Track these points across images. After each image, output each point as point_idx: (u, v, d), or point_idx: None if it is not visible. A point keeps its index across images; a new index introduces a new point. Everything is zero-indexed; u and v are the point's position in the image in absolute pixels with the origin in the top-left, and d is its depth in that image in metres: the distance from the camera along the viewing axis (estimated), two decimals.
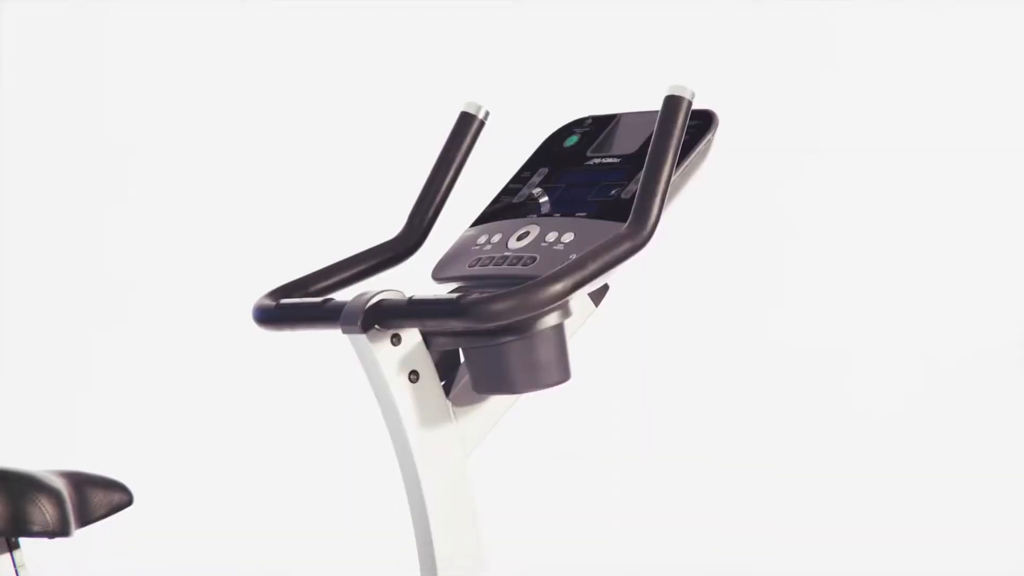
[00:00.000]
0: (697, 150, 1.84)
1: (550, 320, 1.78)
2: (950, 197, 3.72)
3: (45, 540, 1.73)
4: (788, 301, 3.76)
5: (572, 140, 1.98)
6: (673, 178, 1.76)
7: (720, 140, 1.85)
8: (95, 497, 1.79)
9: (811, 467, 3.67)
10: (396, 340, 1.81)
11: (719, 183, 3.29)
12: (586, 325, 1.88)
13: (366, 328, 1.78)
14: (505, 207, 1.94)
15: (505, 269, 1.83)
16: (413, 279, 1.91)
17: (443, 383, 1.85)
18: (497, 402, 1.87)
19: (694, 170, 1.86)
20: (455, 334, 1.81)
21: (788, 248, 3.78)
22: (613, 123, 1.96)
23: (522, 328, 1.77)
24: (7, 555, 1.76)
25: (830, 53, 3.75)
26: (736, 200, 3.67)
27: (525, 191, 1.94)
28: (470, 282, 1.88)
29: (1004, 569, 3.25)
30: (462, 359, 1.86)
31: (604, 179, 1.87)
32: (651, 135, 1.77)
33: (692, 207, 1.88)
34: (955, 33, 3.69)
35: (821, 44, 3.72)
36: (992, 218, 3.71)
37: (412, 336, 1.81)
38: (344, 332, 1.81)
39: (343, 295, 1.87)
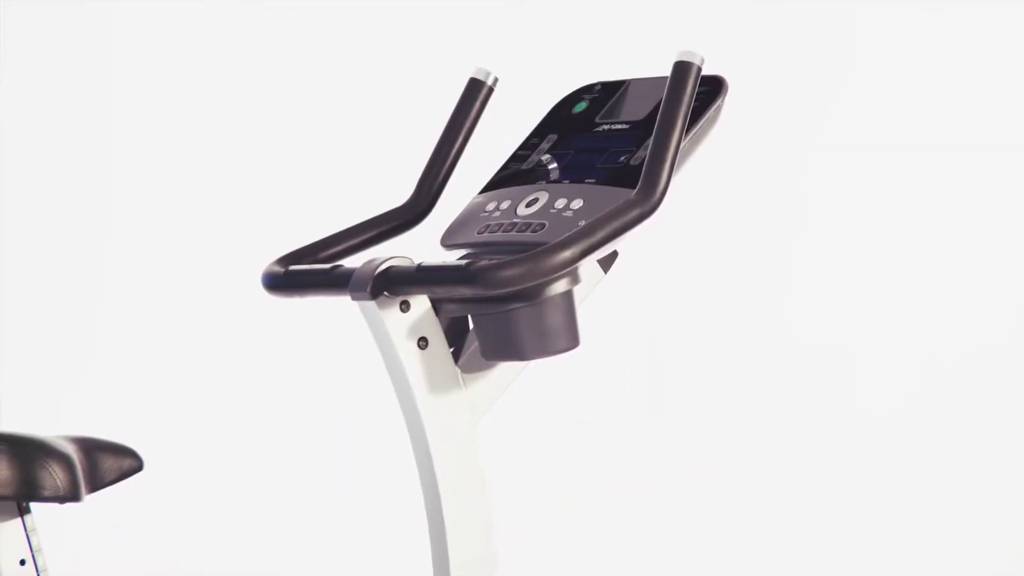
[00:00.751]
0: (706, 116, 1.84)
1: (559, 287, 1.78)
2: (955, 196, 3.71)
3: (56, 505, 1.74)
4: (794, 274, 3.76)
5: (581, 106, 1.97)
6: (682, 144, 1.76)
7: (729, 108, 1.85)
8: (105, 462, 1.80)
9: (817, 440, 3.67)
10: (405, 307, 1.81)
11: (726, 162, 3.30)
12: (595, 292, 1.88)
13: (375, 295, 1.78)
14: (514, 174, 1.94)
15: (514, 236, 1.83)
16: (422, 246, 1.91)
17: (452, 350, 1.85)
18: (506, 369, 1.87)
19: (703, 136, 1.86)
20: (464, 301, 1.81)
21: (797, 222, 3.77)
22: (622, 89, 1.96)
23: (531, 295, 1.77)
24: (18, 519, 1.77)
25: (846, 47, 3.73)
26: (746, 171, 3.67)
27: (534, 158, 1.94)
28: (479, 249, 1.88)
29: (1004, 569, 3.25)
30: (471, 326, 1.86)
31: (613, 145, 1.87)
32: (660, 101, 1.77)
33: (701, 174, 1.87)
34: (963, 32, 3.67)
35: (837, 39, 3.70)
36: (997, 218, 3.70)
37: (421, 303, 1.81)
38: (353, 299, 1.81)
39: (352, 262, 1.87)
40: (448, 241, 1.92)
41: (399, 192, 2.01)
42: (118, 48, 3.83)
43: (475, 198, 1.95)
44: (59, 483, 1.72)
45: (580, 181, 1.85)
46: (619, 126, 1.90)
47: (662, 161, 1.73)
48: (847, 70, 3.74)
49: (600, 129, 1.92)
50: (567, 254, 1.69)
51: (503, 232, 1.85)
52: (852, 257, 3.73)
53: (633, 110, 1.91)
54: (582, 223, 1.75)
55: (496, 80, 2.00)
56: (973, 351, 3.62)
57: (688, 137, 1.82)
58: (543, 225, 1.81)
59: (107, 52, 3.83)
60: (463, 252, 1.90)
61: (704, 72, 1.78)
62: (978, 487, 3.45)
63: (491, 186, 1.95)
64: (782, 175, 3.73)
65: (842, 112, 3.74)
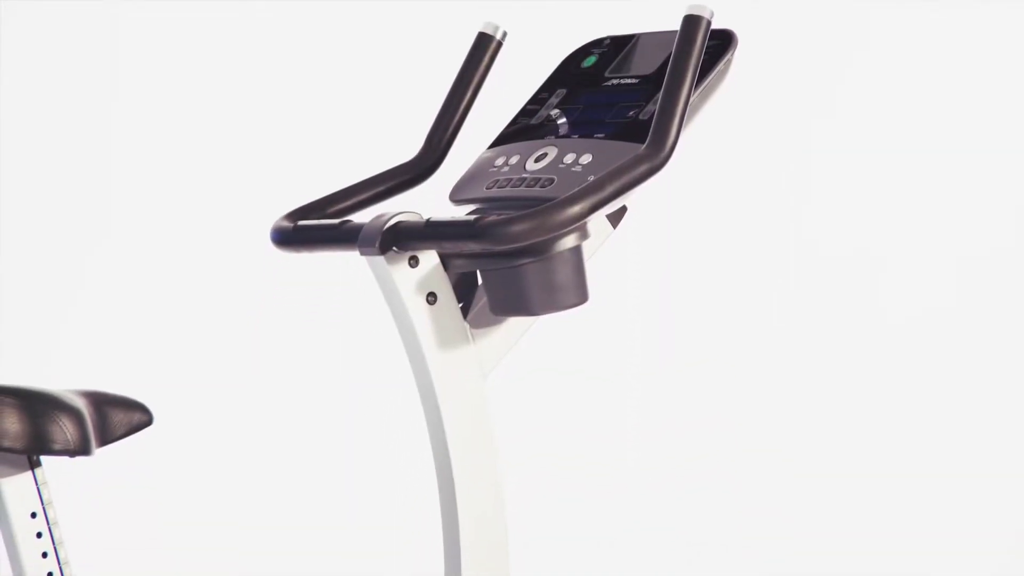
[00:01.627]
0: (716, 70, 1.83)
1: (568, 242, 1.78)
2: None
3: (66, 459, 1.75)
4: (809, 214, 3.75)
5: (590, 61, 1.97)
6: (692, 99, 1.75)
7: (739, 60, 1.84)
8: (115, 417, 1.81)
9: (832, 388, 3.68)
10: (414, 262, 1.81)
11: (739, 106, 3.28)
12: (604, 247, 1.88)
13: (384, 250, 1.78)
14: (523, 128, 1.94)
15: (523, 191, 1.83)
16: (431, 201, 1.91)
17: (461, 305, 1.85)
18: (515, 324, 1.87)
19: (713, 91, 1.86)
20: (473, 256, 1.81)
21: (809, 169, 3.76)
22: (631, 43, 1.95)
23: (540, 250, 1.77)
24: (28, 473, 1.78)
25: None
26: (757, 124, 3.65)
27: (543, 112, 1.93)
28: (488, 204, 1.88)
29: (1004, 569, 3.25)
30: (480, 281, 1.86)
31: (622, 100, 1.86)
32: (670, 56, 1.76)
33: (711, 127, 1.87)
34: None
35: None
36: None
37: (430, 258, 1.81)
38: (362, 254, 1.81)
39: (361, 217, 1.87)
40: (457, 196, 1.92)
41: (408, 147, 2.01)
42: None
43: (484, 153, 1.95)
44: (69, 437, 1.73)
45: (589, 136, 1.85)
46: (628, 80, 1.90)
47: (671, 116, 1.73)
48: None
49: (609, 84, 1.91)
50: (576, 209, 1.69)
51: (512, 187, 1.85)
52: (860, 227, 3.72)
53: (642, 64, 1.91)
54: (591, 178, 1.74)
55: (505, 34, 2.00)
56: (973, 353, 3.61)
57: (697, 91, 1.81)
58: (552, 180, 1.81)
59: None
60: (472, 207, 1.90)
61: (713, 26, 1.77)
62: (978, 487, 3.44)
63: (500, 141, 1.95)
64: (793, 141, 3.72)
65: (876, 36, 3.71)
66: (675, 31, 1.76)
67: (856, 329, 3.65)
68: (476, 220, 1.71)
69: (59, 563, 1.78)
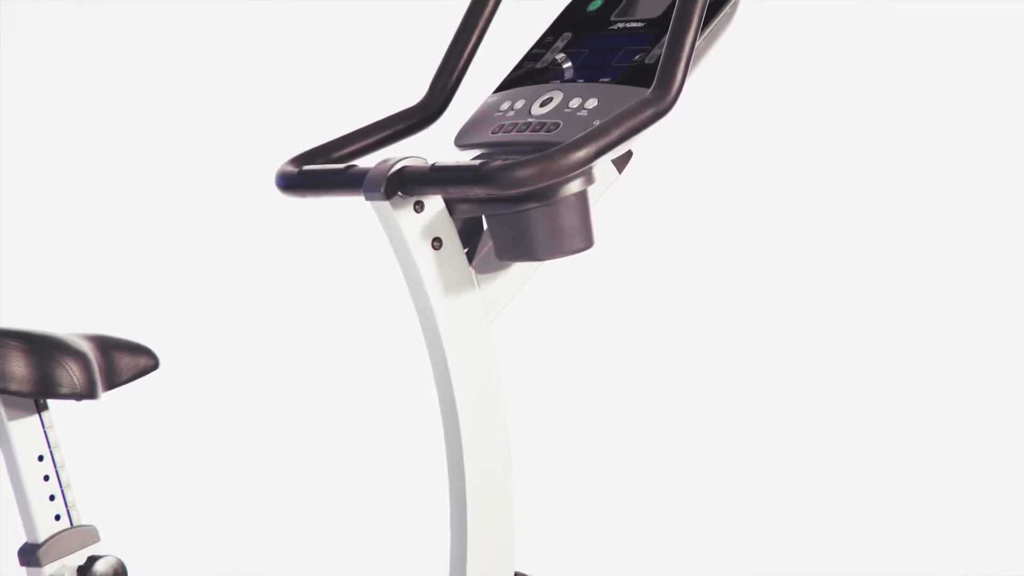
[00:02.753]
0: (722, 13, 1.83)
1: (573, 187, 1.77)
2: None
3: (72, 402, 1.76)
4: (822, 169, 3.74)
5: (596, 4, 1.96)
6: (698, 42, 1.75)
7: (745, 4, 1.83)
8: (121, 360, 1.81)
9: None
10: (419, 207, 1.81)
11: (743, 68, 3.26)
12: (609, 192, 1.87)
13: (389, 195, 1.78)
14: (528, 73, 1.93)
15: (528, 135, 1.83)
16: (436, 146, 1.90)
17: (466, 250, 1.85)
18: (520, 269, 1.87)
19: (719, 34, 1.85)
20: (478, 201, 1.81)
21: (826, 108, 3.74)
22: None
23: (545, 195, 1.77)
24: (35, 416, 1.79)
25: None
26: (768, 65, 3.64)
27: (548, 56, 1.93)
28: (493, 149, 1.88)
29: (1005, 568, 3.25)
30: (485, 226, 1.86)
31: (628, 44, 1.86)
32: None
33: (717, 71, 1.86)
34: None
35: None
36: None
37: (435, 203, 1.81)
38: (367, 199, 1.81)
39: (365, 162, 1.87)
40: (462, 141, 1.92)
41: (413, 92, 2.00)
42: None
43: (489, 98, 1.94)
44: (76, 380, 1.74)
45: (595, 80, 1.84)
46: (634, 24, 1.89)
47: (677, 59, 1.72)
48: None
49: (615, 27, 1.90)
50: (581, 154, 1.69)
51: (517, 132, 1.84)
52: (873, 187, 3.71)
53: (648, 8, 1.90)
54: (596, 122, 1.74)
55: None
56: (973, 355, 3.61)
57: (704, 35, 1.81)
58: (557, 125, 1.81)
59: None
60: (477, 152, 1.90)
61: None
62: (978, 487, 3.44)
63: (505, 85, 1.94)
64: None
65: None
66: None
67: (856, 328, 3.65)
68: (481, 165, 1.71)
69: (66, 506, 1.79)
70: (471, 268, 1.84)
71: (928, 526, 3.32)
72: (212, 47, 3.80)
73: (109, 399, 1.81)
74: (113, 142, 3.80)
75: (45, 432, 1.79)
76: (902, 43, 3.69)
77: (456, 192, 1.77)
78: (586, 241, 1.80)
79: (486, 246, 1.86)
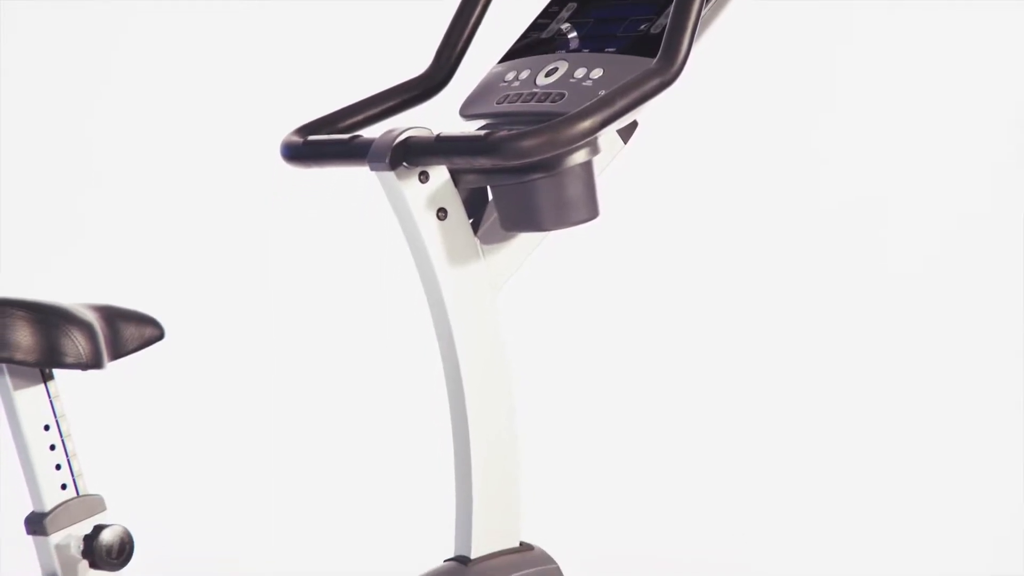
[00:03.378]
0: None
1: (578, 157, 1.77)
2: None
3: (78, 372, 1.76)
4: (825, 149, 3.74)
5: None
6: (703, 12, 1.74)
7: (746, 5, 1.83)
8: (127, 330, 1.81)
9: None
10: (424, 177, 1.81)
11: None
12: (615, 162, 1.87)
13: (394, 165, 1.78)
14: (533, 43, 1.92)
15: (533, 106, 1.82)
16: (441, 116, 1.90)
17: (471, 221, 1.85)
18: (525, 239, 1.87)
19: (725, 4, 1.84)
20: (483, 171, 1.81)
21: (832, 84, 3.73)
22: None
23: (550, 165, 1.76)
24: (41, 386, 1.79)
25: None
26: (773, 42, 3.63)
27: (553, 26, 1.92)
28: (498, 119, 1.87)
29: (1005, 568, 3.24)
30: (490, 197, 1.86)
31: (633, 14, 1.85)
32: None
33: (721, 42, 1.86)
34: None
35: None
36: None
37: (440, 173, 1.81)
38: (372, 169, 1.81)
39: (371, 132, 1.87)
40: (467, 111, 1.91)
41: (417, 62, 2.00)
42: None
43: (494, 68, 1.94)
44: (81, 350, 1.74)
45: (600, 50, 1.83)
46: None
47: (683, 29, 1.72)
48: None
49: None
50: (586, 124, 1.68)
51: (522, 102, 1.84)
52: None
53: None
54: (601, 93, 1.74)
55: None
56: (974, 346, 3.60)
57: (709, 4, 1.80)
58: (562, 95, 1.80)
59: None
60: (482, 123, 1.89)
61: None
62: (979, 487, 3.44)
63: (510, 56, 1.94)
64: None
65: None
66: None
67: (857, 318, 3.65)
68: (486, 135, 1.71)
69: (72, 475, 1.80)
70: (476, 239, 1.85)
71: (928, 525, 3.32)
72: (217, 20, 3.80)
73: (115, 369, 1.81)
74: (122, 114, 3.80)
75: (51, 401, 1.79)
76: (903, 36, 3.69)
77: (461, 162, 1.77)
78: (591, 211, 1.80)
79: (491, 217, 1.86)
